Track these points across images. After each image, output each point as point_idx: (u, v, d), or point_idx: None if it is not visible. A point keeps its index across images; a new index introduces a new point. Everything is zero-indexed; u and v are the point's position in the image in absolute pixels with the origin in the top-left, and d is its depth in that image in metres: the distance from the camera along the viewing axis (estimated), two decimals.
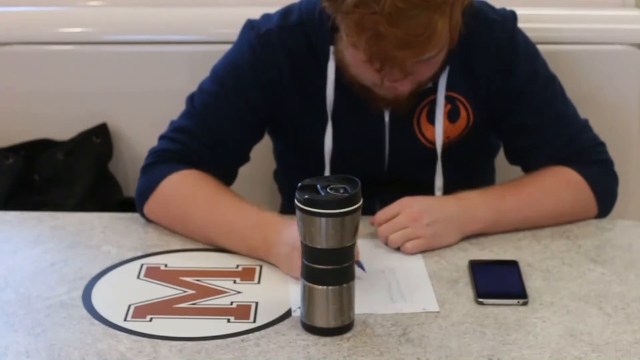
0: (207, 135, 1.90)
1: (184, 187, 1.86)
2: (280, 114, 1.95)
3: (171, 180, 1.86)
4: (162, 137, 1.94)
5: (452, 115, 1.92)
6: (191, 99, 1.95)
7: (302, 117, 1.94)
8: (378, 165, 1.96)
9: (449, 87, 1.89)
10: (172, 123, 1.95)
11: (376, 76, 1.77)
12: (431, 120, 1.91)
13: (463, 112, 1.92)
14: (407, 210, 1.78)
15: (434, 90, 1.89)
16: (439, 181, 1.94)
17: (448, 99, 1.90)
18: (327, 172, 1.94)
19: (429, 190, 1.93)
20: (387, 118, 1.92)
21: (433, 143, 1.92)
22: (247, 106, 1.92)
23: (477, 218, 1.81)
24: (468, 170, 2.00)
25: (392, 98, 1.85)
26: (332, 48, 1.87)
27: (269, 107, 1.93)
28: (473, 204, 1.82)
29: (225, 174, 1.93)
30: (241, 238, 1.77)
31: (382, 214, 1.80)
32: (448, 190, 1.93)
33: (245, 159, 1.98)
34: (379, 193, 1.93)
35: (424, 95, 1.90)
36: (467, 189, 1.88)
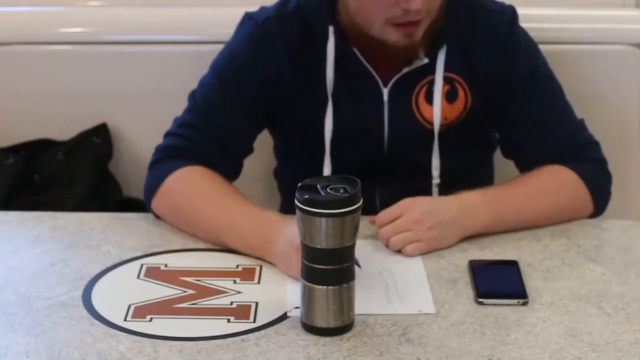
0: (210, 129, 1.91)
1: (189, 183, 1.87)
2: (280, 102, 1.96)
3: (177, 176, 1.87)
4: (167, 134, 1.95)
5: (450, 96, 1.93)
6: (193, 95, 1.96)
7: (301, 103, 1.95)
8: (378, 147, 1.96)
9: (447, 68, 1.91)
10: (176, 120, 1.96)
11: (386, 3, 1.78)
12: (429, 100, 1.92)
13: (461, 93, 1.93)
14: (410, 212, 1.78)
15: (432, 69, 1.90)
16: (435, 161, 1.94)
17: (446, 80, 1.92)
18: (327, 157, 1.95)
19: (427, 174, 1.94)
20: (385, 97, 1.93)
21: (431, 123, 1.93)
22: (248, 97, 1.93)
23: (477, 220, 1.82)
24: (466, 158, 2.00)
25: (407, 43, 1.84)
26: (331, 28, 1.89)
27: (269, 96, 1.94)
28: (474, 206, 1.82)
29: (231, 166, 1.94)
30: (242, 236, 1.77)
31: (384, 215, 1.80)
32: (445, 177, 1.93)
33: (249, 149, 1.99)
34: (379, 178, 1.93)
35: (423, 74, 1.91)
36: (464, 179, 1.88)
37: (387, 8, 1.79)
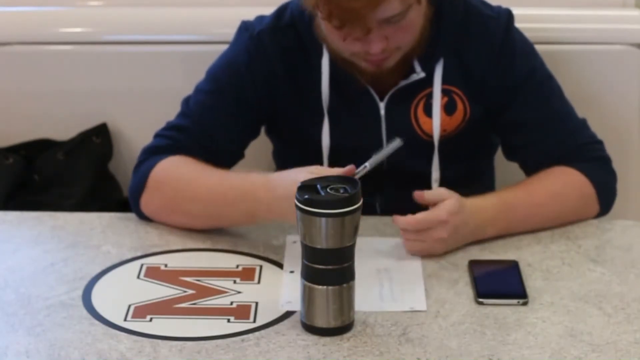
0: (200, 132, 1.91)
1: (175, 171, 1.86)
2: (277, 112, 1.96)
3: (161, 167, 1.86)
4: (155, 136, 1.95)
5: (449, 108, 1.93)
6: (187, 101, 1.96)
7: (298, 115, 1.95)
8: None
9: (445, 81, 1.90)
10: (167, 123, 1.95)
11: (348, 42, 1.79)
12: (428, 113, 1.92)
13: (460, 105, 1.93)
14: (439, 229, 1.74)
15: (430, 83, 1.90)
16: (435, 173, 1.94)
17: (445, 92, 1.91)
18: (325, 155, 1.95)
19: (427, 184, 1.94)
20: (382, 111, 1.92)
21: (430, 135, 1.93)
22: (242, 102, 1.93)
23: (485, 232, 1.81)
24: (466, 165, 2.00)
25: (375, 72, 1.86)
26: (325, 45, 1.89)
27: (264, 104, 1.94)
28: (486, 219, 1.80)
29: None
30: (239, 201, 1.77)
31: (421, 222, 1.75)
32: (446, 184, 1.93)
33: (239, 156, 1.98)
34: (379, 187, 1.93)
35: (420, 88, 1.91)
36: (464, 185, 1.87)
37: (349, 46, 1.80)
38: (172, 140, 1.90)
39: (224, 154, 1.93)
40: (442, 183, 1.95)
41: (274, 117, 1.97)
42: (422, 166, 1.95)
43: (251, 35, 1.94)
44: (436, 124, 1.92)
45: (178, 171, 1.86)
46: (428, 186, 1.94)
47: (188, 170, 1.86)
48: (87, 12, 2.36)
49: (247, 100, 1.93)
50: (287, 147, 2.07)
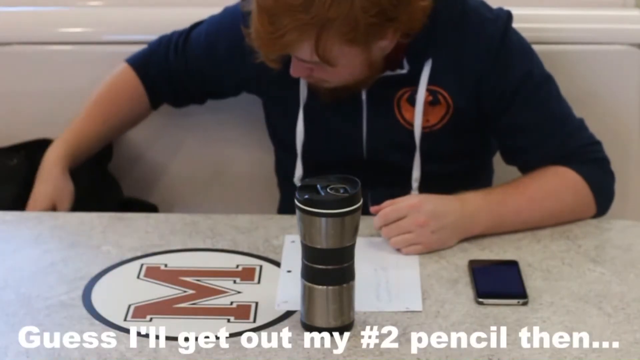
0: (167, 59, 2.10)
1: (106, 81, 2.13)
2: (255, 86, 2.01)
3: (116, 70, 2.13)
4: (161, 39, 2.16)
5: (432, 104, 1.92)
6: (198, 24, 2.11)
7: (276, 100, 1.98)
8: (356, 148, 1.96)
9: (432, 81, 1.89)
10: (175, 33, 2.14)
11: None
12: (412, 103, 1.91)
13: (443, 103, 1.91)
14: (415, 214, 1.77)
15: (416, 80, 1.89)
16: (416, 172, 1.94)
17: (430, 92, 1.90)
18: (299, 157, 1.97)
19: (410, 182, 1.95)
20: (364, 96, 1.92)
21: (412, 124, 1.92)
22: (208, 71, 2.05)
23: (478, 224, 1.81)
24: (455, 165, 1.99)
25: (314, 85, 1.91)
26: None
27: (227, 79, 2.04)
28: (476, 210, 1.81)
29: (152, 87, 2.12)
30: None
31: (390, 213, 1.79)
32: (434, 183, 1.92)
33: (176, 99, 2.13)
34: (363, 181, 1.92)
35: (406, 83, 1.90)
36: (456, 185, 1.87)
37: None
38: (148, 56, 2.12)
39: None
40: (429, 182, 1.93)
41: (252, 89, 2.04)
42: (405, 162, 1.95)
43: (233, 14, 1.99)
44: (417, 123, 1.91)
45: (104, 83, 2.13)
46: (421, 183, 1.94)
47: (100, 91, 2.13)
48: (87, 12, 2.36)
49: (210, 72, 2.04)
50: (271, 132, 2.08)
